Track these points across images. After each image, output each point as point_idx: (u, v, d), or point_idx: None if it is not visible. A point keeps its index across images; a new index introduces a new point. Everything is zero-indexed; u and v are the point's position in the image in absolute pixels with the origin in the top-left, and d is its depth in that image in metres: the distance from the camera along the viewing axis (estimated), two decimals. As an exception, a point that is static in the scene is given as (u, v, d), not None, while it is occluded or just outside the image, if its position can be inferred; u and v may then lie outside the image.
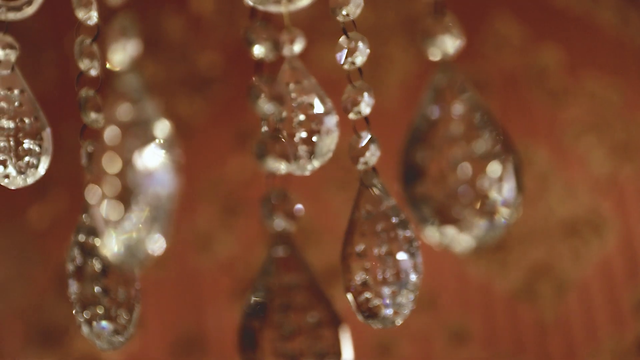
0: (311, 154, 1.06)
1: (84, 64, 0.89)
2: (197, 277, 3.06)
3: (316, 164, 1.07)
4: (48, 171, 1.11)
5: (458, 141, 0.72)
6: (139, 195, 0.66)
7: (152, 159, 0.68)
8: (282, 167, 0.78)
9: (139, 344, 3.00)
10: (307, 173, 1.08)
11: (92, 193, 0.68)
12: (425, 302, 2.97)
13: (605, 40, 3.08)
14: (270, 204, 0.78)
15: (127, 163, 0.67)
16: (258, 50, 0.82)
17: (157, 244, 0.68)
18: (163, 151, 0.69)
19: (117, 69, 0.71)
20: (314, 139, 1.06)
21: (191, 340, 3.03)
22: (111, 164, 0.67)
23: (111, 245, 0.67)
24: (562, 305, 2.97)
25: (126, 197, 0.67)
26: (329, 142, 1.06)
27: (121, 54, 0.70)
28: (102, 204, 0.67)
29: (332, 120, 1.05)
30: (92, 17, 0.89)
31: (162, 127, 0.69)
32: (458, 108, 0.72)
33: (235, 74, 3.03)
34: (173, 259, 3.04)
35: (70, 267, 0.89)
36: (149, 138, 0.68)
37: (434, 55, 0.74)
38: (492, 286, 3.01)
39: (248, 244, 3.01)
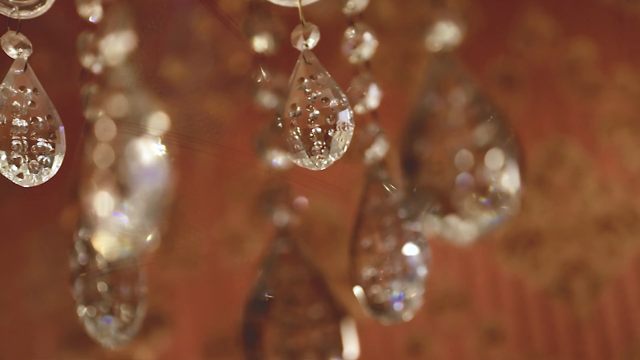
0: (327, 149, 1.05)
1: (86, 61, 0.89)
2: (228, 277, 3.05)
3: (332, 159, 1.06)
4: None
5: (458, 131, 0.70)
6: (134, 189, 0.66)
7: (147, 153, 0.67)
8: (281, 160, 0.77)
9: (171, 344, 3.01)
10: (323, 168, 1.07)
11: (87, 189, 0.67)
12: (457, 300, 2.95)
13: (637, 34, 3.04)
14: (270, 199, 0.77)
15: (122, 157, 0.67)
16: (258, 43, 0.81)
17: (151, 239, 0.68)
18: (158, 145, 0.69)
19: (112, 62, 0.70)
20: (329, 133, 1.05)
21: (223, 340, 3.03)
22: (105, 158, 0.66)
23: (105, 241, 0.67)
24: (596, 303, 2.94)
25: (121, 191, 0.66)
26: (344, 137, 1.05)
27: (115, 48, 0.69)
28: (96, 199, 0.66)
29: (347, 115, 1.04)
30: (95, 12, 0.89)
31: (158, 121, 0.69)
32: (458, 98, 0.70)
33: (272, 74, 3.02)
34: (204, 259, 3.04)
35: (74, 264, 0.89)
36: (144, 132, 0.68)
37: (433, 44, 0.72)
38: (525, 284, 2.97)
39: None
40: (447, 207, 0.71)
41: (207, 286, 3.05)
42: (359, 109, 0.96)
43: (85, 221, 0.90)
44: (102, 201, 0.67)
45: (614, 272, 2.95)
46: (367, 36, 0.96)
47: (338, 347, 0.75)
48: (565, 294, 2.95)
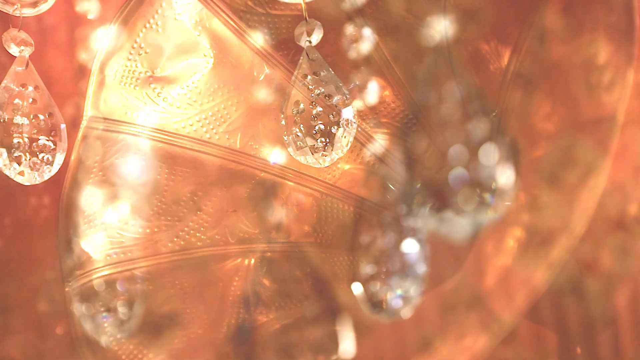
0: (330, 146, 1.05)
1: (83, 57, 0.88)
2: (236, 278, 3.04)
3: (335, 156, 1.06)
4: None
5: (453, 126, 0.69)
6: (121, 185, 0.66)
7: (141, 147, 0.67)
8: (278, 156, 0.76)
9: (183, 345, 3.00)
10: (326, 165, 1.07)
11: (79, 187, 0.67)
12: (467, 299, 2.93)
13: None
14: (267, 195, 0.76)
15: (116, 152, 0.66)
16: (258, 38, 0.81)
17: (143, 234, 0.67)
18: (151, 140, 0.68)
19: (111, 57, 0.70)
20: (333, 130, 1.04)
21: (234, 340, 3.02)
22: (94, 153, 0.66)
23: (94, 238, 0.67)
24: (609, 302, 2.91)
25: (108, 187, 0.66)
26: (347, 134, 1.04)
27: (113, 43, 0.69)
28: (85, 195, 0.66)
29: (350, 112, 1.04)
30: (92, 10, 0.88)
31: (152, 116, 0.69)
32: (452, 92, 0.70)
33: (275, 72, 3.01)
34: (214, 258, 3.03)
35: (70, 262, 0.89)
36: (139, 127, 0.67)
37: (429, 38, 0.72)
38: (537, 283, 2.95)
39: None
40: (442, 202, 0.70)
41: (217, 286, 3.04)
42: (358, 104, 0.96)
43: (80, 219, 0.90)
44: (93, 198, 0.67)
45: (627, 271, 2.93)
46: (366, 32, 0.95)
47: (333, 345, 0.75)
48: (578, 293, 2.93)
